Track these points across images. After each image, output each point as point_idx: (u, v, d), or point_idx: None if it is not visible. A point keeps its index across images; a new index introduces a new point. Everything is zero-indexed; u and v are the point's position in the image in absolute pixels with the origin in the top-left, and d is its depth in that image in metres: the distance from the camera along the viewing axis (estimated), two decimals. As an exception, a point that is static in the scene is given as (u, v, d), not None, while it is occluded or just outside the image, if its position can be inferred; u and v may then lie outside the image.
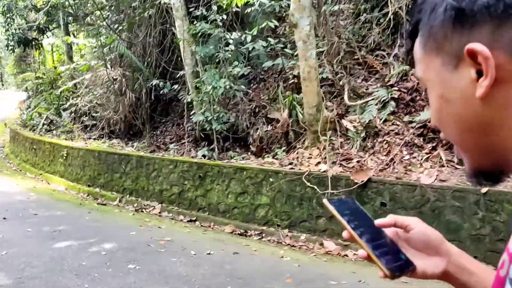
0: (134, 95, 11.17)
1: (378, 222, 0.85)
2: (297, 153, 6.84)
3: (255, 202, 6.42)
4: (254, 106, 9.66)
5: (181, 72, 9.97)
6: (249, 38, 8.41)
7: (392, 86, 6.69)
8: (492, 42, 0.57)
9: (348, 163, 5.74)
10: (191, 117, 12.04)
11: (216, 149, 8.44)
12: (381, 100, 6.39)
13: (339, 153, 5.96)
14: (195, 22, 10.19)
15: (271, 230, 6.16)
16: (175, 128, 11.89)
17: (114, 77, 11.11)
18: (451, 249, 0.83)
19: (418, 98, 6.51)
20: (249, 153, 8.64)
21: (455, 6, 0.60)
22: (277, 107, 9.55)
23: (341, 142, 6.24)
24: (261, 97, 9.67)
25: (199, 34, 8.91)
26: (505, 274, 0.58)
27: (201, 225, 6.74)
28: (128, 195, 8.46)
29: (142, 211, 7.71)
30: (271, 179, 6.24)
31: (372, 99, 6.58)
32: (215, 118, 8.31)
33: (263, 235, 6.16)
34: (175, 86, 9.73)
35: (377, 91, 6.67)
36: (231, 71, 8.30)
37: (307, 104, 6.42)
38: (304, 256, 5.30)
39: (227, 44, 8.46)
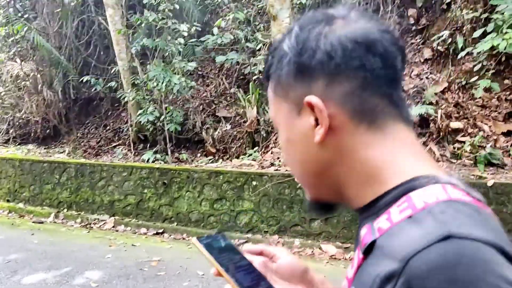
0: (52, 93, 9.75)
1: (246, 248, 0.88)
2: (272, 153, 6.49)
3: (236, 208, 5.93)
4: (198, 104, 9.07)
5: (116, 68, 8.92)
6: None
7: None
8: (326, 94, 0.67)
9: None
10: (125, 117, 11.04)
11: (169, 152, 7.69)
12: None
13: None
14: (136, 12, 9.28)
15: (257, 237, 5.73)
16: (100, 130, 10.71)
17: (27, 73, 9.55)
18: (314, 277, 0.87)
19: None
20: (204, 155, 8.06)
21: (296, 61, 0.69)
22: (224, 104, 9.09)
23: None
24: (209, 95, 9.10)
25: (142, 25, 8.04)
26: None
27: (174, 238, 6.04)
28: (65, 209, 7.30)
29: (91, 227, 6.69)
30: (254, 183, 5.80)
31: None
32: (167, 118, 7.54)
33: (250, 243, 5.71)
34: (113, 83, 8.66)
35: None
36: (184, 66, 7.60)
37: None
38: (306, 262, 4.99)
39: (178, 37, 7.75)
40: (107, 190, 6.96)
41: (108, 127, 10.69)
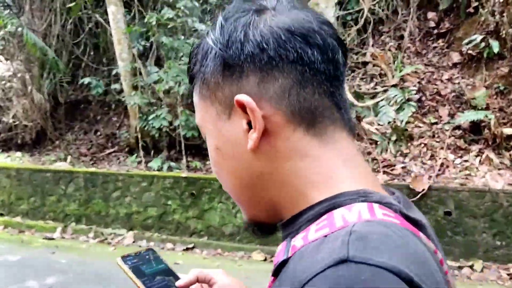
0: (41, 96, 8.93)
1: (179, 283, 0.79)
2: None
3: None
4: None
5: (117, 69, 8.26)
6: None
7: (395, 86, 6.42)
8: (260, 92, 0.58)
9: (392, 169, 5.24)
10: (117, 122, 10.44)
11: (184, 159, 7.13)
12: (397, 101, 6.05)
13: (375, 159, 5.42)
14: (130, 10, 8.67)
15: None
16: (90, 136, 9.96)
17: (14, 73, 8.69)
18: None
19: (424, 98, 6.36)
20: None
21: (222, 54, 0.60)
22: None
23: (365, 147, 5.71)
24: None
25: (153, 23, 7.44)
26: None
27: (209, 254, 5.52)
28: (73, 223, 6.60)
29: (109, 242, 6.04)
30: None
31: (382, 100, 6.21)
32: (183, 123, 6.97)
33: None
34: (117, 86, 7.99)
35: (387, 91, 6.33)
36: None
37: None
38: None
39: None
40: (124, 202, 6.33)
41: (99, 133, 9.97)
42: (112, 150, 9.26)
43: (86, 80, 7.95)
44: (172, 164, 7.06)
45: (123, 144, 9.27)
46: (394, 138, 5.57)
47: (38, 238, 6.17)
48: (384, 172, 5.20)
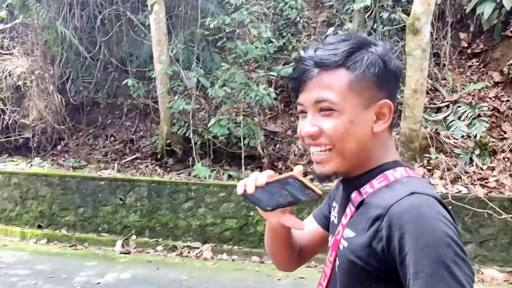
0: (61, 97, 8.18)
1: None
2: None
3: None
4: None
5: (154, 72, 7.80)
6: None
7: (455, 102, 6.73)
8: (391, 101, 1.01)
9: (486, 182, 5.48)
10: (131, 127, 10.01)
11: (243, 167, 6.88)
12: (468, 116, 6.35)
13: (467, 172, 5.63)
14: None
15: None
16: (102, 141, 9.34)
17: (32, 71, 7.86)
18: None
19: (482, 114, 6.72)
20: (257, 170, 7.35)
21: (382, 73, 0.98)
22: (267, 117, 8.51)
23: (446, 160, 5.92)
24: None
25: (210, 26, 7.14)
26: (340, 236, 1.00)
27: (307, 265, 5.37)
28: (135, 236, 6.10)
29: (187, 255, 5.66)
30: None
31: (450, 114, 6.49)
32: (252, 133, 6.72)
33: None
34: (162, 88, 7.53)
35: (449, 107, 6.61)
36: (265, 74, 6.89)
37: (413, 119, 5.86)
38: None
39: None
40: (197, 213, 5.98)
41: (113, 138, 9.37)
42: (134, 156, 8.74)
43: (130, 81, 7.40)
44: (232, 173, 6.79)
45: (147, 150, 8.80)
46: (477, 152, 5.83)
47: (116, 253, 5.61)
48: (480, 185, 5.42)
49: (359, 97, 0.96)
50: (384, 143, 1.01)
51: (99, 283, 4.29)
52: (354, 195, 1.00)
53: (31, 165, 7.43)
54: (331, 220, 1.14)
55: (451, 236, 0.84)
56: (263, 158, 7.41)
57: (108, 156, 8.82)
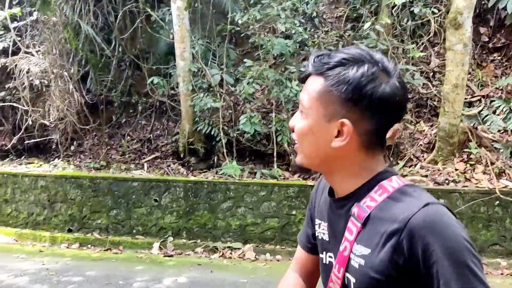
0: (80, 96, 7.94)
1: None
2: (421, 167, 6.12)
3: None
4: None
5: (177, 69, 7.63)
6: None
7: (487, 96, 6.72)
8: (356, 124, 0.99)
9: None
10: (147, 126, 9.81)
11: (275, 166, 6.75)
12: (503, 111, 6.34)
13: (511, 167, 5.61)
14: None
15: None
16: (117, 140, 9.13)
17: (50, 70, 7.59)
18: None
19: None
20: (285, 170, 7.25)
21: (354, 93, 0.97)
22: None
23: (485, 154, 5.90)
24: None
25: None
26: (348, 253, 1.00)
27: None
28: (172, 237, 5.95)
29: (230, 256, 5.53)
30: (441, 200, 5.39)
31: (484, 108, 6.47)
32: (282, 130, 6.59)
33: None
34: (184, 85, 7.34)
35: (481, 101, 6.60)
36: (297, 70, 6.77)
37: (453, 114, 5.82)
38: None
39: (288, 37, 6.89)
40: (236, 213, 5.85)
41: (129, 137, 9.16)
42: (153, 156, 8.56)
43: (155, 79, 7.21)
44: (265, 171, 6.67)
45: (167, 149, 8.63)
46: (517, 146, 5.82)
47: (147, 255, 5.44)
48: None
49: (324, 108, 1.00)
50: (358, 163, 1.02)
51: (160, 288, 4.15)
52: (355, 209, 1.00)
53: (55, 167, 7.20)
54: (319, 237, 1.15)
55: (467, 240, 0.91)
56: (290, 156, 7.30)
57: (127, 156, 8.62)
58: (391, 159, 6.53)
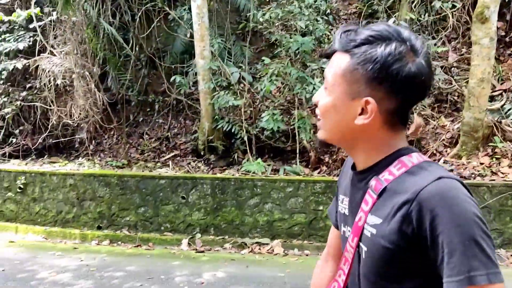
0: (101, 95, 8.02)
1: None
2: (444, 161, 6.18)
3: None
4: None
5: (196, 68, 7.69)
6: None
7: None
8: (380, 102, 1.00)
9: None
10: (164, 124, 9.86)
11: (297, 162, 6.82)
12: (525, 104, 6.39)
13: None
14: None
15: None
16: (136, 139, 9.22)
17: (74, 69, 7.67)
18: None
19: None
20: (305, 167, 7.31)
21: (381, 72, 0.98)
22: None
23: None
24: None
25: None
26: (362, 223, 1.04)
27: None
28: (200, 234, 6.04)
29: (259, 252, 5.61)
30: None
31: (507, 102, 6.52)
32: (305, 126, 6.66)
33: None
34: (205, 83, 7.41)
35: (502, 95, 6.64)
36: (318, 67, 6.83)
37: (478, 108, 5.87)
38: None
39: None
40: (264, 209, 5.94)
41: (147, 136, 9.24)
42: (172, 154, 8.64)
43: (178, 78, 7.29)
44: (288, 167, 6.74)
45: (186, 147, 8.70)
46: (542, 140, 5.87)
47: (192, 252, 5.53)
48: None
49: (348, 86, 1.01)
50: (380, 139, 1.04)
51: (203, 282, 4.23)
52: (374, 182, 1.03)
53: (80, 165, 7.29)
54: (341, 212, 1.19)
55: (478, 215, 0.91)
56: (310, 152, 7.36)
57: (146, 154, 8.71)
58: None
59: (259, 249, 5.69)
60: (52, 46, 7.77)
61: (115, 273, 4.48)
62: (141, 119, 9.51)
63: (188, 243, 5.92)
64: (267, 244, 5.80)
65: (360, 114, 1.01)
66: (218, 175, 6.30)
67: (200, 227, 6.07)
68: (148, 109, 9.50)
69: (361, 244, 1.05)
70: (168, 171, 6.77)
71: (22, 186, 6.55)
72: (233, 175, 6.30)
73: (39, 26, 7.74)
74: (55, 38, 7.68)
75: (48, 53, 7.72)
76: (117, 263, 4.89)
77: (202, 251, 5.55)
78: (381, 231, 0.98)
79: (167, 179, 6.18)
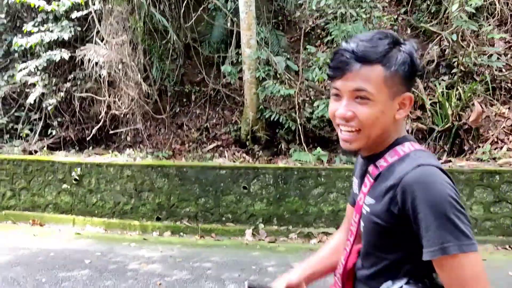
0: (148, 86, 7.93)
1: None
2: (508, 149, 6.16)
3: (517, 210, 5.51)
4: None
5: (242, 57, 7.60)
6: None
7: None
8: (410, 90, 1.21)
9: None
10: (202, 115, 9.79)
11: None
12: None
13: None
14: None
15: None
16: (174, 130, 9.16)
17: (120, 60, 7.57)
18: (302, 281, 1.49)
19: None
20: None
21: (410, 69, 1.17)
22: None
23: None
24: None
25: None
26: (362, 202, 1.23)
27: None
28: (262, 224, 6.02)
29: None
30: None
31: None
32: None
33: None
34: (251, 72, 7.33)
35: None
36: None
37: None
38: None
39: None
40: (328, 199, 5.91)
41: (186, 127, 9.16)
42: (214, 144, 8.58)
43: (229, 68, 7.22)
44: (343, 157, 6.70)
45: (227, 138, 8.64)
46: None
47: (259, 243, 5.51)
48: None
49: (389, 90, 1.15)
50: (400, 125, 1.23)
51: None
52: (371, 168, 1.23)
53: (128, 156, 7.23)
54: (354, 192, 1.38)
55: (452, 196, 1.06)
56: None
57: (187, 146, 8.65)
58: (471, 142, 6.57)
59: (327, 239, 5.67)
60: (98, 36, 7.66)
61: (204, 264, 4.45)
62: (178, 109, 9.44)
63: (253, 234, 5.90)
64: (331, 233, 5.77)
65: (398, 110, 1.19)
66: (281, 165, 6.25)
67: (263, 217, 6.04)
68: (184, 100, 9.42)
69: (361, 220, 1.25)
70: (225, 161, 6.71)
71: (77, 178, 6.49)
72: (295, 164, 6.26)
73: (85, 15, 7.61)
74: (98, 28, 7.55)
75: (95, 43, 7.61)
76: (198, 254, 4.85)
77: (274, 241, 5.52)
78: (374, 210, 1.18)
79: (228, 169, 6.14)
